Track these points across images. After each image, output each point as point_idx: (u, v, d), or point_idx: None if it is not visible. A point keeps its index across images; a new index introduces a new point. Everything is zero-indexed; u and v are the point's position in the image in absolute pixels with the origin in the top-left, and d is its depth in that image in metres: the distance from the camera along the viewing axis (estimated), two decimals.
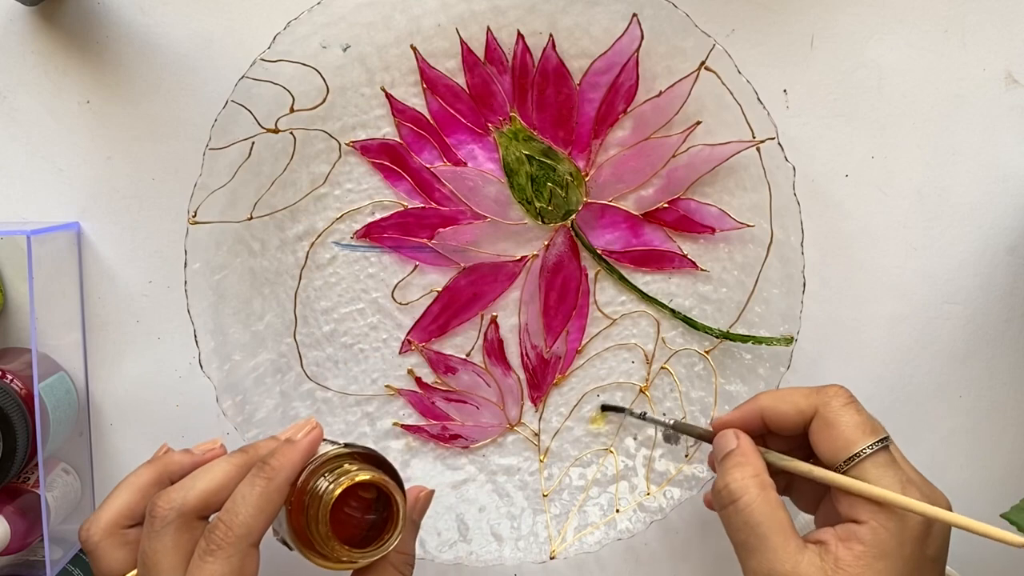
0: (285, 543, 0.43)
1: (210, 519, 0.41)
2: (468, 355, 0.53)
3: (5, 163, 0.53)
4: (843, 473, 0.41)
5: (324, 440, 0.44)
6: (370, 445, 0.53)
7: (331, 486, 0.40)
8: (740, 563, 0.42)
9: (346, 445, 0.43)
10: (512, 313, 0.53)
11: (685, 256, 0.52)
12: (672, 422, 0.51)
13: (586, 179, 0.51)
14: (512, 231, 0.52)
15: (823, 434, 0.42)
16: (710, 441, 0.47)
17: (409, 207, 0.52)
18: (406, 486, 0.51)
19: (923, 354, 0.55)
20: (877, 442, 0.41)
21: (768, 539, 0.40)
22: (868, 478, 0.41)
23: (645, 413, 0.52)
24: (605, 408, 0.53)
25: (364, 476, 0.41)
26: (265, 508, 0.39)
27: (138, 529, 0.43)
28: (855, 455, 0.41)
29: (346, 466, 0.42)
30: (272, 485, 0.40)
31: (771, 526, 0.41)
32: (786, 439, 0.45)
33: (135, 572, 0.41)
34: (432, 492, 0.47)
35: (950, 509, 0.41)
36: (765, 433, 0.46)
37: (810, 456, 0.43)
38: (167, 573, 0.39)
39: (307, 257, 0.52)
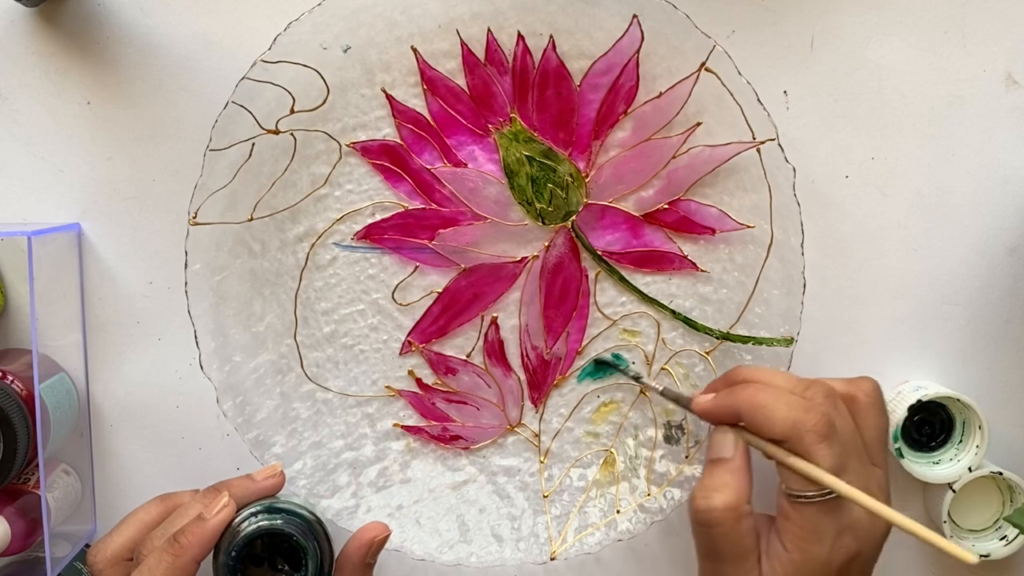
0: None
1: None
2: (468, 356, 0.53)
3: (6, 164, 0.53)
4: (787, 505, 0.43)
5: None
6: (369, 446, 0.53)
7: None
8: (696, 552, 0.45)
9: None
10: (512, 314, 0.53)
11: (685, 257, 0.52)
12: (662, 388, 0.50)
13: (586, 180, 0.51)
14: (512, 232, 0.52)
15: (785, 469, 0.43)
16: (691, 411, 0.47)
17: (409, 208, 0.52)
18: (397, 497, 0.52)
19: (923, 354, 0.55)
20: (828, 491, 0.42)
21: (724, 560, 0.43)
22: (808, 518, 0.42)
23: (640, 376, 0.52)
24: (598, 363, 0.53)
25: None
26: None
27: None
28: (801, 495, 0.42)
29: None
30: (179, 562, 0.43)
31: (734, 555, 0.43)
32: None
33: None
34: (387, 536, 0.48)
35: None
36: None
37: None
38: None
39: (307, 258, 0.52)
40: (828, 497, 0.42)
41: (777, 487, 0.44)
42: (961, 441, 0.53)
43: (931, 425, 0.54)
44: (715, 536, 0.43)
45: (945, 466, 0.53)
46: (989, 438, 0.52)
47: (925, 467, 0.53)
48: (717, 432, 0.45)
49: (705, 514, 0.43)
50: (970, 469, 0.52)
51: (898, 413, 0.52)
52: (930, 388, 0.52)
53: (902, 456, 0.52)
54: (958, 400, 0.52)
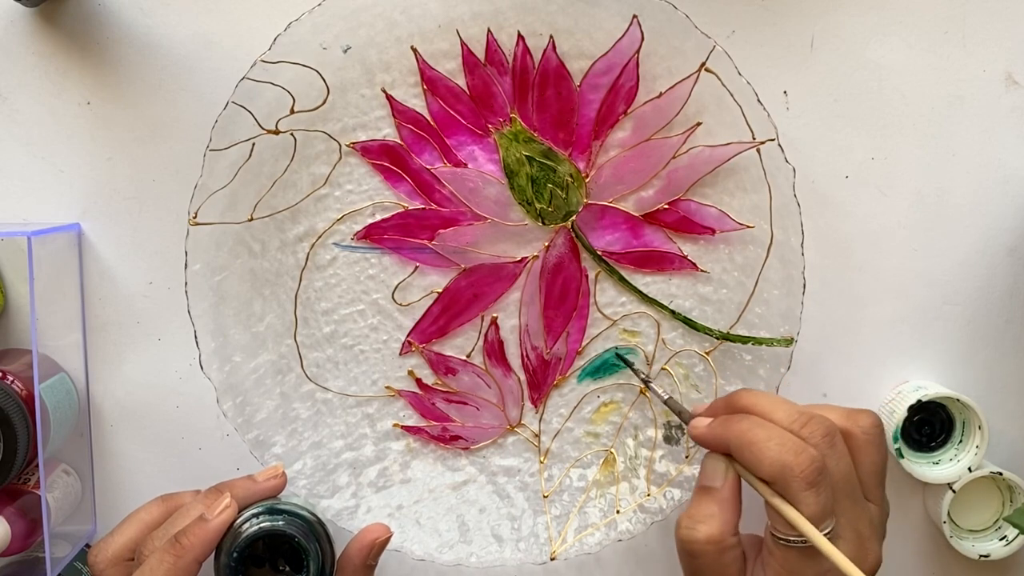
0: None
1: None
2: (468, 356, 0.53)
3: (6, 164, 0.53)
4: (770, 542, 0.43)
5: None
6: (369, 446, 0.53)
7: None
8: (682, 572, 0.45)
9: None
10: (512, 314, 0.53)
11: (685, 257, 0.52)
12: (667, 397, 0.50)
13: (586, 180, 0.51)
14: (512, 232, 0.52)
15: (771, 508, 0.43)
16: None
17: (409, 208, 0.52)
18: (397, 497, 0.52)
19: (923, 354, 0.55)
20: (803, 539, 0.41)
21: None
22: (790, 560, 0.42)
23: (650, 380, 0.52)
24: (619, 356, 0.53)
25: None
26: None
27: None
28: (782, 538, 0.42)
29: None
30: (180, 563, 0.43)
31: None
32: None
33: None
34: (389, 538, 0.48)
35: None
36: None
37: None
38: None
39: (307, 258, 0.52)
40: (809, 544, 0.41)
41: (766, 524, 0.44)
42: (961, 441, 0.53)
43: (931, 425, 0.54)
44: (697, 566, 0.43)
45: (945, 466, 0.53)
46: (989, 438, 0.52)
47: (925, 467, 0.53)
48: (709, 459, 0.45)
49: (688, 544, 0.43)
50: (970, 469, 0.52)
51: (898, 413, 0.52)
52: (930, 388, 0.52)
53: (902, 456, 0.52)
54: (958, 400, 0.52)
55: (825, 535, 0.41)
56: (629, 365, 0.52)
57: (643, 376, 0.52)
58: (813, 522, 0.41)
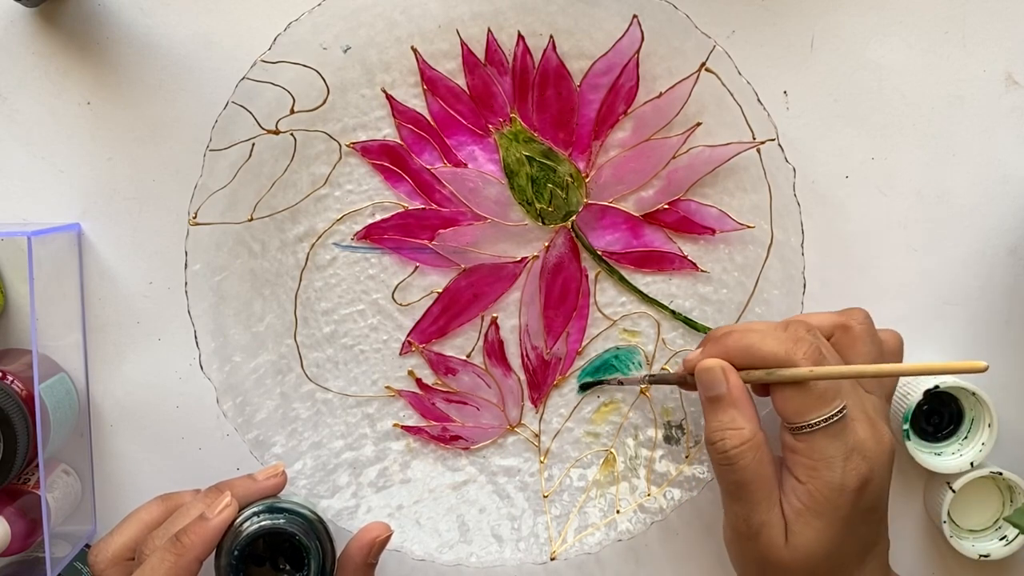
0: None
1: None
2: (468, 356, 0.53)
3: (6, 164, 0.53)
4: (791, 439, 0.44)
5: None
6: (369, 446, 0.53)
7: None
8: (722, 497, 0.46)
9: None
10: (512, 314, 0.53)
11: (685, 257, 0.52)
12: (644, 375, 0.50)
13: (586, 180, 0.51)
14: (512, 232, 0.52)
15: (783, 395, 0.43)
16: (685, 385, 0.48)
17: (409, 208, 0.52)
18: (397, 497, 0.52)
19: (923, 354, 0.55)
20: (829, 416, 0.42)
21: (754, 495, 0.44)
22: (815, 446, 0.43)
23: (621, 380, 0.52)
24: (583, 387, 0.53)
25: None
26: None
27: None
28: (804, 425, 0.43)
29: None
30: (181, 562, 0.43)
31: (760, 485, 0.44)
32: None
33: None
34: (389, 536, 0.48)
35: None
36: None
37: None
38: None
39: (307, 258, 0.52)
40: (832, 421, 0.42)
41: (780, 428, 0.45)
42: (967, 437, 0.53)
43: (940, 416, 0.54)
44: (738, 474, 0.44)
45: (947, 458, 0.53)
46: (997, 438, 0.52)
47: (928, 455, 0.52)
48: (702, 370, 0.45)
49: (725, 455, 0.44)
50: (972, 465, 0.52)
51: (912, 396, 0.51)
52: (948, 378, 0.52)
53: (908, 439, 0.52)
54: (973, 394, 0.52)
55: (836, 418, 0.42)
56: (599, 383, 0.53)
57: (614, 381, 0.52)
58: (825, 399, 0.42)
